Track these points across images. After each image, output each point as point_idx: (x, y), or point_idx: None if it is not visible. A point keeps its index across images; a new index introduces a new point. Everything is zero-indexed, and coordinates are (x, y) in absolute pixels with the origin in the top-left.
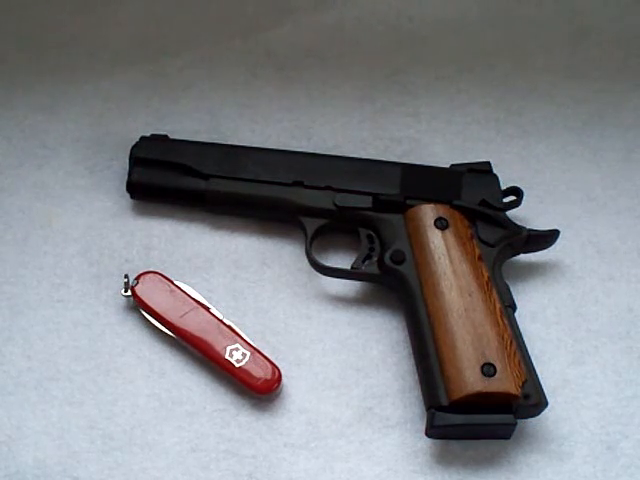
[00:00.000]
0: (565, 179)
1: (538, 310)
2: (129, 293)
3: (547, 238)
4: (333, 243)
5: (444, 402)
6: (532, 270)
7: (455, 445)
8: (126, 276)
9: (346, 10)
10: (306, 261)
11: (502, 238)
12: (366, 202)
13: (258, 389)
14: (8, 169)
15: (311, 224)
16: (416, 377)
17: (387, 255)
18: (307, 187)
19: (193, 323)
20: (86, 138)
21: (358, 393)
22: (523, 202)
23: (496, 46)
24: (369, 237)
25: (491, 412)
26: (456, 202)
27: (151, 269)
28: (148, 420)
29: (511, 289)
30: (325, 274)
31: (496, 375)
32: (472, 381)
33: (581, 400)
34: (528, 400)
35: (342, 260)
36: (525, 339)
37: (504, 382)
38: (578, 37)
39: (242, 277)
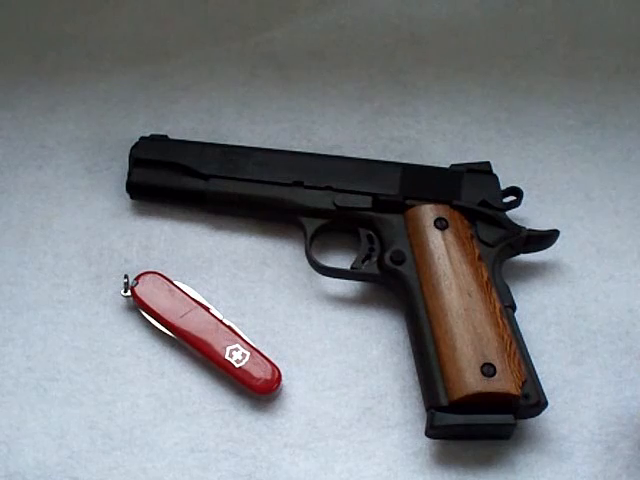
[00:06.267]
0: (565, 179)
1: (538, 310)
2: (129, 293)
3: (547, 238)
4: (333, 243)
5: (444, 402)
6: (532, 270)
7: (455, 445)
8: (126, 276)
9: (346, 10)
10: (306, 261)
11: (502, 238)
12: (366, 202)
13: (258, 389)
14: (8, 169)
15: (311, 224)
16: (416, 377)
17: (387, 255)
18: (307, 187)
19: (193, 323)
20: (86, 138)
21: (358, 393)
22: (523, 202)
23: (496, 46)
24: (369, 237)
25: (491, 412)
26: (456, 202)
27: (151, 269)
28: (148, 420)
29: (511, 289)
30: (325, 274)
31: (496, 375)
32: (472, 381)
33: (581, 400)
34: (528, 400)
35: (342, 260)
36: (525, 339)
37: (504, 382)
38: (578, 37)
39: (242, 277)
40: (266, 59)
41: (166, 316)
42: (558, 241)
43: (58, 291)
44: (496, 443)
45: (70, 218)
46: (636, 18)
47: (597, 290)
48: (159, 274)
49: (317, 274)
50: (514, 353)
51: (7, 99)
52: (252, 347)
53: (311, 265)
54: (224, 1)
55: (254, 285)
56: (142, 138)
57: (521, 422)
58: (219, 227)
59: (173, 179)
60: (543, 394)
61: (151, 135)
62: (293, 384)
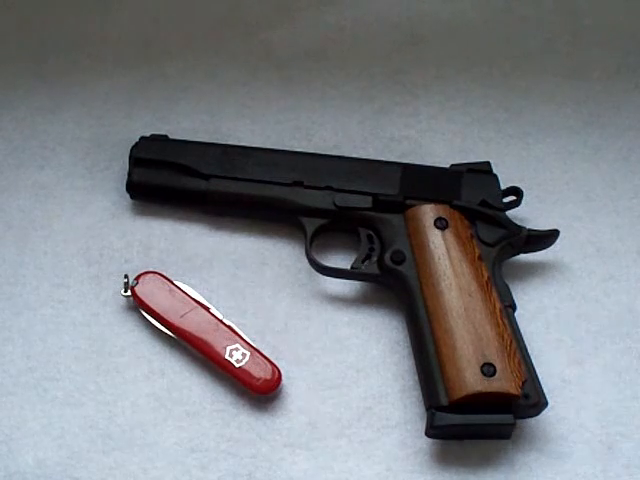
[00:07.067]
0: (565, 179)
1: (538, 310)
2: (129, 293)
3: (547, 238)
4: (333, 243)
5: (444, 402)
6: (532, 270)
7: (455, 445)
8: (126, 276)
9: (346, 10)
10: (306, 261)
11: (502, 238)
12: (366, 202)
13: (258, 389)
14: (8, 169)
15: (311, 224)
16: (416, 377)
17: (387, 255)
18: (307, 187)
19: (193, 323)
20: (86, 138)
21: (358, 393)
22: (523, 202)
23: (496, 46)
24: (369, 237)
25: (491, 412)
26: (456, 202)
27: (151, 269)
28: (148, 420)
29: (511, 289)
30: (325, 274)
31: (496, 375)
32: (472, 381)
33: (581, 400)
34: (528, 400)
35: (342, 260)
36: (525, 339)
37: (504, 382)
38: (578, 37)
39: (242, 277)
40: (266, 59)
41: (166, 316)
42: (558, 241)
43: (58, 291)
44: (496, 443)
45: (70, 218)
46: (636, 18)
47: (597, 290)
48: (159, 274)
49: (317, 274)
50: (514, 353)
51: (8, 100)
52: (252, 347)
53: (311, 265)
54: (224, 1)
55: (254, 285)
56: (142, 138)
57: (521, 422)
58: (219, 227)
59: (173, 179)
60: (543, 394)
61: (151, 135)
62: (293, 384)
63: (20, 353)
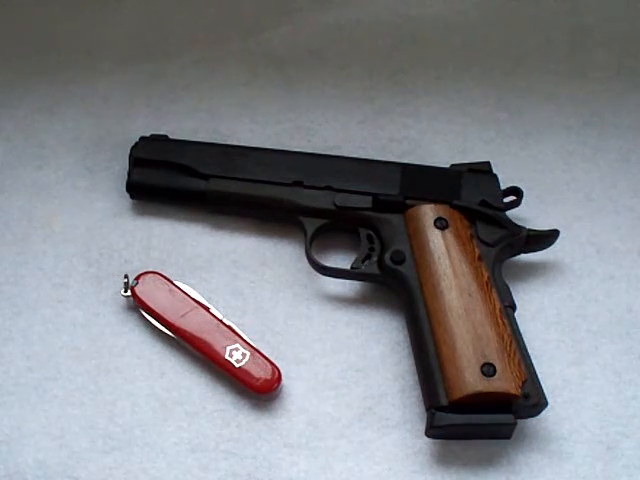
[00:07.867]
0: (565, 179)
1: (538, 310)
2: (129, 293)
3: (547, 238)
4: (333, 243)
5: (444, 402)
6: (532, 270)
7: (455, 445)
8: (126, 276)
9: (346, 10)
10: (306, 261)
11: (502, 238)
12: (366, 202)
13: (258, 389)
14: (8, 169)
15: (311, 224)
16: (416, 377)
17: (387, 255)
18: (307, 187)
19: (193, 323)
20: (86, 138)
21: (358, 393)
22: (523, 202)
23: (496, 46)
24: (369, 237)
25: (491, 412)
26: (456, 202)
27: (151, 269)
28: (148, 420)
29: (511, 289)
30: (325, 274)
31: (496, 375)
32: (472, 381)
33: (581, 400)
34: (528, 400)
35: (342, 260)
36: (525, 339)
37: (504, 382)
38: (578, 37)
39: (242, 277)
40: (266, 59)
41: (166, 316)
42: (558, 241)
43: (58, 291)
44: (496, 443)
45: (70, 218)
46: (636, 18)
47: (597, 290)
48: (159, 274)
49: (317, 274)
50: (514, 353)
51: (7, 99)
52: (252, 347)
53: (311, 265)
54: (224, 1)
55: (254, 285)
56: (142, 138)
57: (521, 422)
58: (219, 227)
59: (173, 179)
60: (543, 394)
61: (151, 135)
62: (293, 384)
63: (20, 353)
